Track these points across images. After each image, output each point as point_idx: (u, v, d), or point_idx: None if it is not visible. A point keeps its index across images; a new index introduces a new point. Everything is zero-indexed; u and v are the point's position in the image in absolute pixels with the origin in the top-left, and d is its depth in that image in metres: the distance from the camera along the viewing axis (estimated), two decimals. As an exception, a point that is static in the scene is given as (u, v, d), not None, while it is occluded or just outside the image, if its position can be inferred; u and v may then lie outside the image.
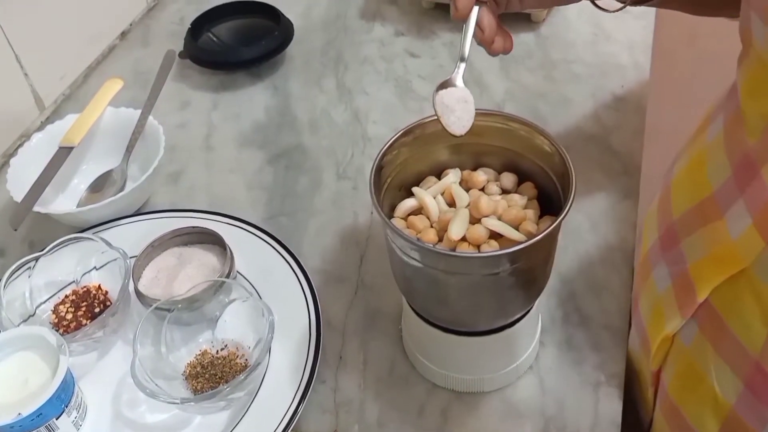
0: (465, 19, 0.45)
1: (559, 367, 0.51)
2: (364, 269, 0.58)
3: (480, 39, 0.46)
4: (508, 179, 0.47)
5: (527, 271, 0.43)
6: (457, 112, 0.44)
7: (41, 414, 0.44)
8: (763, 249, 0.36)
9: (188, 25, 0.78)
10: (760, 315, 0.38)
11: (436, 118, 0.45)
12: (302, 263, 0.56)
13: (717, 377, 0.41)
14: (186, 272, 0.55)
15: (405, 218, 0.46)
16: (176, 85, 0.76)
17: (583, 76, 0.74)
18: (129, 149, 0.64)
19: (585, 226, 0.60)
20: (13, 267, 0.52)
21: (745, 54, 0.43)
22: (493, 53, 0.48)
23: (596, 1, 0.52)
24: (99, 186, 0.63)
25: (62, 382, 0.45)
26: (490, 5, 0.46)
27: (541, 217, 0.46)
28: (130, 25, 0.85)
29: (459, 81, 0.44)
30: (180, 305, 0.51)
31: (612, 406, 0.48)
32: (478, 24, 0.45)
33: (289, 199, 0.65)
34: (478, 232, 0.43)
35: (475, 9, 0.45)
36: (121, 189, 0.62)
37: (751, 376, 0.39)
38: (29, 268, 0.54)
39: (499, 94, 0.73)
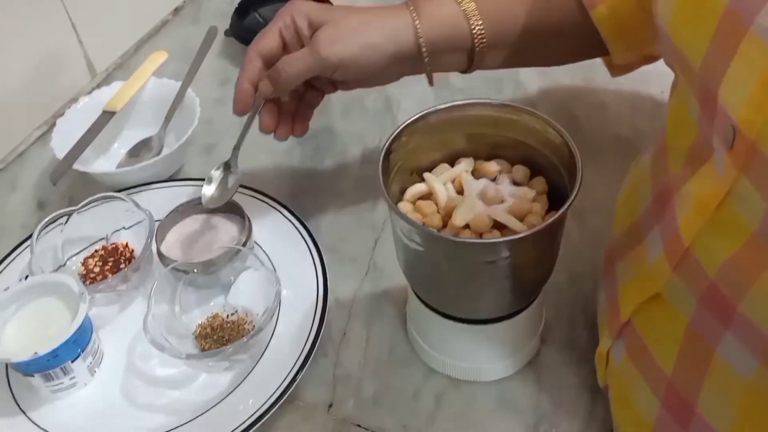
0: (245, 114, 0.53)
1: (558, 366, 0.51)
2: (377, 252, 0.60)
3: (260, 127, 0.54)
4: (520, 172, 0.48)
5: (527, 263, 0.44)
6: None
7: (57, 355, 0.47)
8: (672, 276, 0.38)
9: (236, 5, 0.81)
10: (672, 335, 0.38)
11: (448, 105, 0.46)
12: (318, 241, 0.57)
13: (639, 397, 0.42)
14: (206, 238, 0.57)
15: (414, 202, 0.47)
16: (219, 62, 0.79)
17: (622, 81, 0.73)
18: (167, 118, 0.67)
19: (601, 226, 0.59)
20: (48, 219, 0.56)
21: (672, 88, 0.44)
22: (277, 138, 0.56)
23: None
24: (137, 151, 0.66)
25: (80, 327, 0.48)
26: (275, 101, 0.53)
27: (548, 212, 0.46)
28: (184, 1, 0.88)
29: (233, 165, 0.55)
30: (196, 268, 0.53)
31: (606, 414, 0.48)
32: (259, 114, 0.53)
33: (314, 180, 0.66)
34: (482, 220, 0.43)
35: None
36: (158, 155, 0.65)
37: (666, 395, 0.39)
38: (62, 222, 0.57)
39: (534, 92, 0.73)
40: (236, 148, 0.56)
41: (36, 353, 0.46)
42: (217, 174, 0.57)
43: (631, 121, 0.69)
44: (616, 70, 0.60)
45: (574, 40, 0.56)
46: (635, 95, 0.71)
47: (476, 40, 0.53)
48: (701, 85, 0.35)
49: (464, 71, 0.57)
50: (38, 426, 0.49)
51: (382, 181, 0.43)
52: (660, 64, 0.76)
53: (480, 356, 0.49)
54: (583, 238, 0.59)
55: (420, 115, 0.46)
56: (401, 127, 0.46)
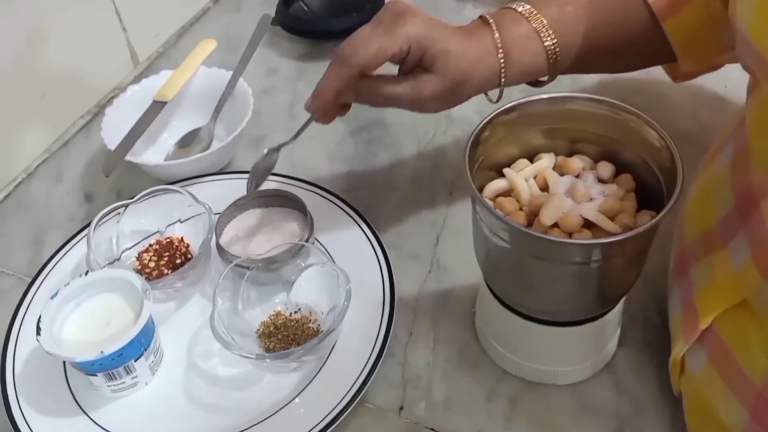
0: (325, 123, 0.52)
1: (637, 369, 0.49)
2: (439, 249, 0.58)
3: (310, 110, 0.50)
4: (606, 168, 0.46)
5: (619, 265, 0.42)
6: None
7: (122, 354, 0.46)
8: (762, 283, 0.36)
9: (280, -7, 0.79)
10: (762, 345, 0.37)
11: (541, 97, 0.44)
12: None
13: (724, 406, 0.40)
14: (265, 234, 0.55)
15: (493, 199, 0.45)
16: (264, 51, 0.77)
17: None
18: (218, 109, 0.65)
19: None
20: (104, 211, 0.54)
21: (754, 87, 0.42)
22: (322, 122, 0.53)
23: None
24: (186, 142, 0.64)
25: (144, 325, 0.46)
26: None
27: (638, 210, 0.44)
28: (225, -11, 0.86)
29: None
30: (259, 264, 0.51)
31: (690, 416, 0.46)
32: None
33: (369, 173, 0.64)
34: (572, 219, 0.42)
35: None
36: (207, 147, 0.63)
37: (755, 406, 0.38)
38: (118, 213, 0.55)
39: (593, 84, 0.71)
40: (281, 144, 0.53)
41: (102, 352, 0.44)
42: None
43: (694, 115, 0.67)
44: (679, 77, 0.58)
45: (648, 49, 0.55)
46: (697, 88, 0.69)
47: (550, 71, 0.52)
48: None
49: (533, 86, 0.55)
50: (100, 426, 0.47)
51: (470, 175, 0.41)
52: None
53: (558, 359, 0.48)
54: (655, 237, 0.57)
55: (507, 107, 0.44)
56: (486, 120, 0.44)
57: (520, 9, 0.51)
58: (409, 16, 0.48)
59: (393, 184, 0.63)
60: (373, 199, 0.62)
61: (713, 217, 0.43)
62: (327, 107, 0.49)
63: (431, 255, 0.57)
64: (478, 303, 0.52)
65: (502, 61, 0.49)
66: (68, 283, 0.48)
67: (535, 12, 0.51)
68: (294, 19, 0.77)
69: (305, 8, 0.79)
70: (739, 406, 0.39)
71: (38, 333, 0.46)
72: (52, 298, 0.47)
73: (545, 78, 0.53)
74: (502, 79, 0.50)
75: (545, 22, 0.50)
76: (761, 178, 0.38)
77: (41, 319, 0.46)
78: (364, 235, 0.56)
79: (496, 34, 0.50)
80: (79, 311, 0.48)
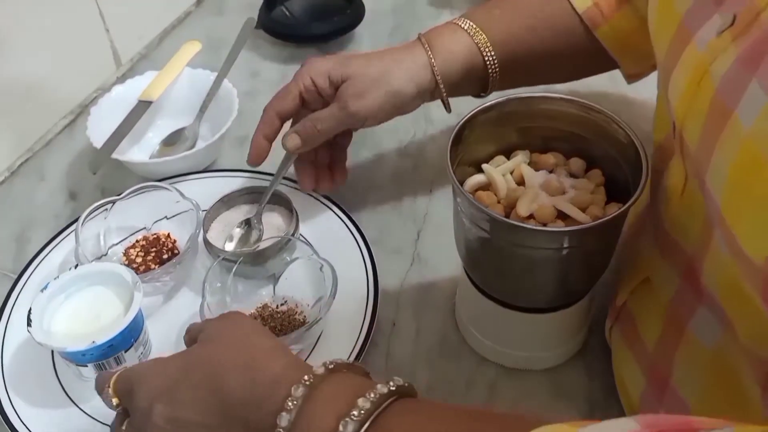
0: (257, 165, 0.56)
1: (607, 354, 0.51)
2: (420, 244, 0.60)
3: (303, 188, 0.58)
4: (577, 164, 0.48)
5: (590, 253, 0.44)
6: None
7: (112, 345, 0.47)
8: (660, 262, 0.43)
9: (262, -2, 0.81)
10: (656, 315, 0.43)
11: (511, 98, 0.47)
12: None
13: (630, 376, 0.46)
14: (251, 229, 0.57)
15: (472, 193, 0.48)
16: (248, 54, 0.79)
17: (646, 79, 0.75)
18: (202, 109, 0.66)
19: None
20: (92, 207, 0.55)
21: None
22: (322, 192, 0.59)
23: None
24: (171, 141, 0.65)
25: (135, 317, 0.47)
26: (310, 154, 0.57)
27: (606, 203, 0.47)
28: (206, -7, 0.87)
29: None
30: (246, 258, 0.53)
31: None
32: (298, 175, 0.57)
33: (352, 173, 0.66)
34: (546, 210, 0.44)
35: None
36: (192, 146, 0.64)
37: (650, 370, 0.43)
38: (105, 210, 0.56)
39: (564, 91, 0.74)
40: (261, 205, 0.57)
41: (93, 342, 0.45)
42: (238, 231, 0.57)
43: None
44: (629, 78, 0.62)
45: (585, 58, 0.59)
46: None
47: (490, 69, 0.55)
48: (664, 80, 0.40)
49: (479, 96, 0.59)
50: (90, 416, 0.48)
51: (451, 169, 0.43)
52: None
53: (534, 345, 0.50)
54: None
55: (485, 106, 0.47)
56: (466, 118, 0.46)
57: (449, 20, 0.56)
58: (314, 59, 0.56)
59: (375, 182, 0.65)
60: (356, 197, 0.64)
61: (637, 213, 0.49)
62: (261, 156, 0.56)
63: (413, 249, 0.59)
64: (458, 293, 0.54)
65: (428, 51, 0.53)
66: (58, 276, 0.49)
67: (462, 18, 0.55)
68: (276, 23, 0.79)
69: (287, 13, 0.81)
70: (639, 372, 0.44)
71: (29, 324, 0.46)
72: (42, 290, 0.48)
73: (489, 80, 0.56)
74: (435, 69, 0.53)
75: (471, 23, 0.55)
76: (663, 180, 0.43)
77: (32, 311, 0.47)
78: (348, 231, 0.58)
79: (422, 38, 0.55)
80: (69, 304, 0.49)
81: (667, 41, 0.40)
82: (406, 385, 0.32)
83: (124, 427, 0.38)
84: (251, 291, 0.54)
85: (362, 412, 0.30)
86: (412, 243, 0.60)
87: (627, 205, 0.41)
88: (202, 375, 0.35)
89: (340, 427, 0.29)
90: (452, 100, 0.57)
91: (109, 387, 0.39)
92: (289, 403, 0.31)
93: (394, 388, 0.31)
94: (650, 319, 0.44)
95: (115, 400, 0.39)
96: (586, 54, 0.57)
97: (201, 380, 0.35)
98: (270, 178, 0.62)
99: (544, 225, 0.44)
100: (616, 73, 0.76)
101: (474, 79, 0.56)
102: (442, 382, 0.51)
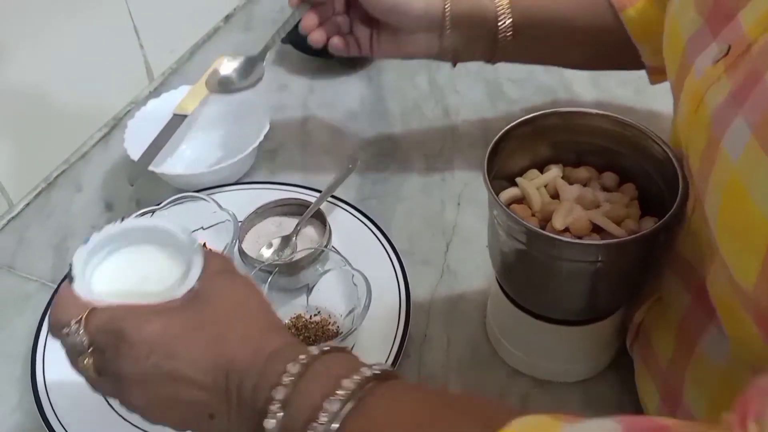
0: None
1: (639, 367, 0.52)
2: (449, 256, 0.61)
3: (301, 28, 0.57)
4: (610, 178, 0.49)
5: (624, 267, 0.45)
6: None
7: None
8: (671, 279, 0.44)
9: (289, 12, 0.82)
10: (670, 332, 0.43)
11: (547, 113, 0.48)
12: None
13: (647, 394, 0.46)
14: (285, 240, 0.58)
15: (507, 206, 0.48)
16: (275, 69, 0.80)
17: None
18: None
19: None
20: (133, 216, 0.56)
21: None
22: (312, 41, 0.59)
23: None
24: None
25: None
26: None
27: (641, 217, 0.47)
28: (234, 9, 0.89)
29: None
30: (280, 269, 0.54)
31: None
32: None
33: (379, 184, 0.67)
34: (582, 223, 0.45)
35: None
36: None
37: (663, 389, 0.43)
38: (144, 220, 0.57)
39: (589, 103, 0.75)
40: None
41: None
42: (274, 242, 0.58)
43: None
44: (653, 76, 0.61)
45: (604, 40, 0.58)
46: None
47: (500, 24, 0.55)
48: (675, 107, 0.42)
49: (488, 61, 0.58)
50: (138, 427, 0.48)
51: (487, 180, 0.44)
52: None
53: (568, 357, 0.50)
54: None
55: (523, 120, 0.47)
56: (504, 131, 0.47)
57: None
58: None
59: (403, 194, 0.66)
60: (384, 209, 0.65)
61: None
62: None
63: (442, 261, 0.60)
64: (490, 305, 0.54)
65: None
66: (101, 229, 0.41)
67: None
68: (303, 38, 0.80)
69: (314, 28, 0.83)
70: (654, 388, 0.44)
71: (71, 281, 0.39)
72: (84, 243, 0.40)
73: (499, 40, 0.56)
74: (446, 5, 0.54)
75: None
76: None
77: (73, 267, 0.39)
78: (378, 242, 0.59)
79: None
80: (111, 261, 0.41)
81: (675, 66, 0.41)
82: (391, 370, 0.34)
83: (87, 365, 0.36)
84: (285, 301, 0.55)
85: (347, 392, 0.31)
86: (442, 255, 0.61)
87: (663, 220, 0.42)
88: (207, 336, 0.36)
89: (325, 404, 0.31)
90: (488, 114, 0.57)
91: (78, 323, 0.36)
92: (285, 379, 0.33)
93: (378, 372, 0.33)
94: (663, 336, 0.44)
95: (85, 338, 0.36)
96: (607, 35, 0.57)
97: (205, 341, 0.35)
98: (298, 190, 0.63)
99: (580, 238, 0.45)
100: (643, 85, 0.77)
101: (482, 32, 0.56)
102: (474, 392, 0.51)
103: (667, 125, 0.72)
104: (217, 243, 0.58)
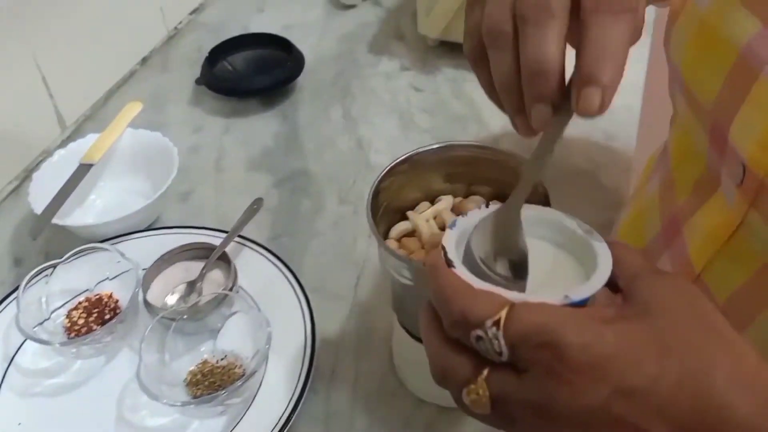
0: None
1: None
2: (359, 289, 0.61)
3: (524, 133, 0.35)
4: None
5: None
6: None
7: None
8: None
9: (206, 54, 0.83)
10: None
11: (431, 147, 0.49)
12: (301, 281, 0.59)
13: None
14: (192, 285, 0.58)
15: (399, 240, 0.50)
16: (191, 110, 0.81)
17: (572, 121, 0.78)
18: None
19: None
20: (32, 273, 0.56)
21: (674, 118, 0.46)
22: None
23: None
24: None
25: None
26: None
27: (525, 243, 0.49)
28: (151, 51, 0.90)
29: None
30: (184, 315, 0.54)
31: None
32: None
33: (293, 221, 0.68)
34: (465, 254, 0.46)
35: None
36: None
37: None
38: (47, 275, 0.57)
39: (497, 129, 0.77)
40: (209, 262, 0.56)
41: (567, 297, 0.29)
42: (179, 288, 0.58)
43: (587, 153, 0.74)
44: None
45: None
46: (588, 130, 0.76)
47: None
48: (712, 123, 0.36)
49: None
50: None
51: (372, 221, 0.45)
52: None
53: (468, 384, 0.51)
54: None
55: (402, 158, 0.49)
56: (387, 169, 0.48)
57: None
58: None
59: (316, 230, 0.67)
60: (297, 245, 0.65)
61: (643, 242, 0.46)
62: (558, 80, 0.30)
63: (352, 295, 0.61)
64: (394, 337, 0.55)
65: None
66: (466, 215, 0.36)
67: None
68: (218, 79, 0.82)
69: (229, 67, 0.84)
70: None
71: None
72: (450, 227, 0.35)
73: None
74: None
75: None
76: (683, 204, 0.41)
77: (448, 252, 0.32)
78: (287, 281, 0.59)
79: None
80: None
81: (718, 75, 0.34)
82: None
83: (481, 383, 0.27)
84: (191, 347, 0.55)
85: None
86: (352, 289, 0.61)
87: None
88: (680, 368, 0.25)
89: None
90: (400, 144, 0.54)
91: (496, 324, 0.27)
92: None
93: None
94: None
95: (505, 348, 0.27)
96: None
97: (677, 375, 0.25)
98: (209, 233, 0.64)
99: (464, 268, 0.46)
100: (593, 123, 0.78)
101: None
102: (380, 425, 0.52)
103: (571, 149, 0.75)
104: (125, 291, 0.58)
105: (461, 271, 0.31)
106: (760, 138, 0.32)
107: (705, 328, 0.26)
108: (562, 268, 0.34)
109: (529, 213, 0.36)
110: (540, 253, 0.34)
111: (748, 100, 0.33)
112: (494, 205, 0.36)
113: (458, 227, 0.35)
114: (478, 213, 0.36)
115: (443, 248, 0.32)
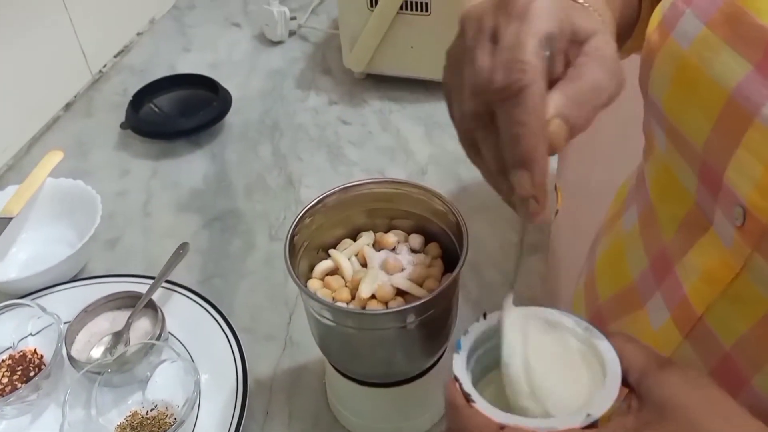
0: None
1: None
2: (292, 327, 0.62)
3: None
4: (416, 240, 0.52)
5: (431, 323, 0.47)
6: None
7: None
8: (683, 343, 0.38)
9: (131, 97, 0.83)
10: None
11: (351, 184, 0.50)
12: (232, 323, 0.59)
13: None
14: (118, 336, 0.57)
15: (322, 278, 0.50)
16: (117, 155, 0.80)
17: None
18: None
19: (498, 281, 0.65)
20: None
21: (650, 152, 0.45)
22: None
23: None
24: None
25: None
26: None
27: (444, 273, 0.50)
28: (75, 96, 0.89)
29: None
30: (110, 368, 0.53)
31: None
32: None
33: (223, 261, 0.68)
34: (386, 289, 0.47)
35: None
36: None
37: None
38: (-37, 336, 0.55)
39: (424, 159, 0.79)
40: (134, 311, 0.53)
41: (589, 416, 0.31)
42: (105, 340, 0.57)
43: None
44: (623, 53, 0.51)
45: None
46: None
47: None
48: (702, 164, 0.35)
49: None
50: None
51: (289, 264, 0.46)
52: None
53: (402, 415, 0.52)
54: (482, 292, 0.64)
55: (319, 198, 0.50)
56: (303, 211, 0.49)
57: None
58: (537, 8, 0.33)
59: (247, 269, 0.67)
60: (228, 286, 0.65)
61: (629, 277, 0.44)
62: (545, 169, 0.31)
63: (285, 334, 0.61)
64: (326, 374, 0.56)
65: None
66: (467, 332, 0.36)
67: None
68: (144, 122, 0.81)
69: (155, 109, 0.83)
70: None
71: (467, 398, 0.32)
72: (457, 352, 0.35)
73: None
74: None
75: None
76: (670, 242, 0.40)
77: (461, 381, 0.33)
78: (217, 324, 0.59)
79: None
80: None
81: (707, 117, 0.34)
82: None
83: None
84: (120, 399, 0.54)
85: None
86: (285, 327, 0.62)
87: (453, 275, 0.45)
88: None
89: None
90: (330, 177, 0.54)
91: None
92: None
93: None
94: None
95: None
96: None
97: None
98: (136, 280, 0.63)
99: (386, 304, 0.47)
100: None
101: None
102: (316, 464, 0.52)
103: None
104: (49, 346, 0.56)
105: (482, 405, 0.31)
106: (760, 183, 0.32)
107: (722, 419, 0.28)
108: (572, 373, 0.34)
109: (528, 313, 0.36)
110: (547, 357, 0.34)
111: (743, 145, 0.32)
112: (492, 315, 0.36)
113: (464, 348, 0.35)
114: (478, 326, 0.36)
115: (457, 380, 0.33)
